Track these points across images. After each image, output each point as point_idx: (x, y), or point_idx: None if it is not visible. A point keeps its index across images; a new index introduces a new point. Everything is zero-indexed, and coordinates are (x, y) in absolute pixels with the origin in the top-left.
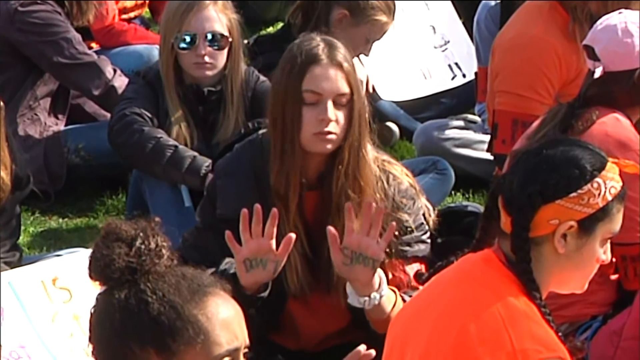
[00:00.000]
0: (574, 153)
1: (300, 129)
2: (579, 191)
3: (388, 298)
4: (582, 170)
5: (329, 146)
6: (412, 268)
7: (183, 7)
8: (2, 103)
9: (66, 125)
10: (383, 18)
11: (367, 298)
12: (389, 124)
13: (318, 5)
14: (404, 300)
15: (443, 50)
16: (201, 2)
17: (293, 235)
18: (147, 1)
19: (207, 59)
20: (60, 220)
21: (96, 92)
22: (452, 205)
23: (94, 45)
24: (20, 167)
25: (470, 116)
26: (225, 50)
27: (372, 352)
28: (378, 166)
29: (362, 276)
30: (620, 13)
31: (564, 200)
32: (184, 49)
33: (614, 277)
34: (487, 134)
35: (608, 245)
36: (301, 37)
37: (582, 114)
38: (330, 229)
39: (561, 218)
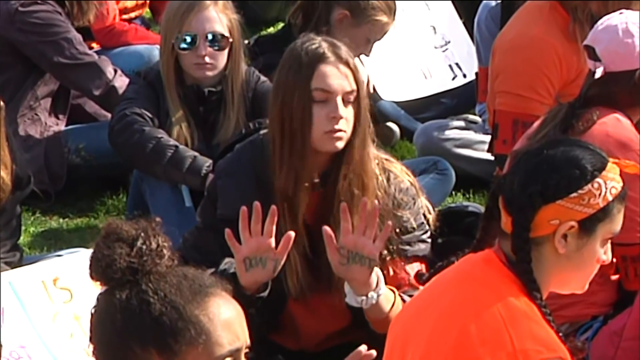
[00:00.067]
0: (574, 153)
1: (311, 128)
2: (580, 191)
3: (386, 297)
4: (582, 170)
5: (339, 144)
6: (413, 267)
7: (183, 7)
8: (2, 103)
9: (67, 125)
10: (384, 18)
11: (364, 297)
12: (390, 124)
13: (319, 5)
14: (403, 300)
15: (444, 51)
16: (202, 2)
17: (292, 234)
18: (148, 1)
19: (207, 59)
20: (61, 220)
21: (97, 92)
22: (453, 205)
23: (94, 45)
24: (20, 167)
25: (470, 116)
26: (226, 51)
27: (373, 352)
28: (378, 165)
29: (359, 275)
30: (621, 13)
31: (564, 201)
32: (184, 49)
33: (614, 277)
34: (487, 134)
35: (609, 245)
36: (300, 37)
37: (583, 114)
38: (327, 229)
39: (562, 218)
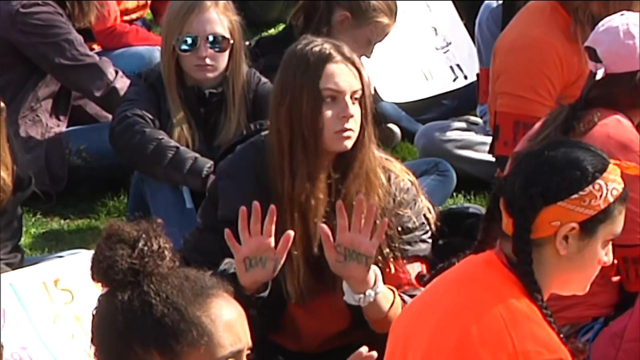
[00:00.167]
0: (575, 155)
1: (323, 128)
2: (581, 193)
3: (384, 296)
4: (583, 172)
5: (348, 143)
6: (413, 267)
7: (184, 9)
8: (3, 104)
9: (68, 126)
10: (385, 20)
11: (362, 295)
12: (391, 125)
13: (320, 6)
14: (403, 300)
15: (445, 52)
16: (202, 4)
17: (292, 233)
18: (149, 2)
19: (208, 61)
20: (62, 221)
21: (98, 94)
22: (454, 206)
23: (95, 46)
24: (21, 168)
25: (471, 118)
26: (227, 52)
27: (374, 353)
28: (379, 164)
29: (356, 273)
30: (622, 15)
31: (565, 202)
32: (185, 51)
33: (615, 279)
34: (488, 135)
35: (610, 247)
36: (300, 39)
37: (584, 115)
38: (323, 226)
39: (563, 220)
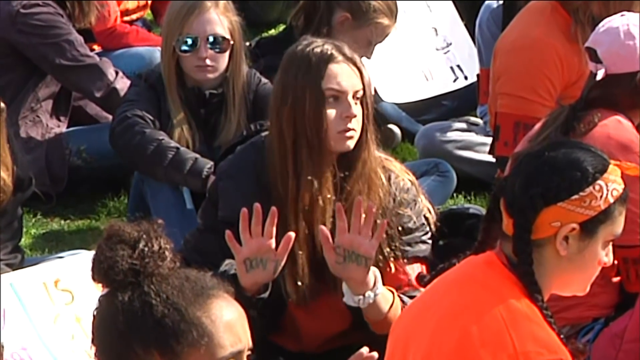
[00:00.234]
0: (575, 155)
1: (326, 128)
2: (581, 193)
3: (384, 297)
4: (584, 172)
5: (350, 143)
6: (413, 268)
7: (184, 9)
8: (3, 105)
9: (68, 127)
10: (385, 21)
11: (361, 297)
12: (391, 126)
13: (320, 7)
14: (402, 301)
15: (445, 52)
16: (202, 4)
17: (292, 234)
18: (149, 3)
19: (208, 61)
20: (62, 222)
21: (98, 94)
22: (454, 207)
23: (95, 47)
24: (22, 169)
25: (472, 118)
26: (227, 53)
27: (375, 354)
28: (379, 164)
29: (355, 274)
30: (622, 15)
31: (565, 203)
32: (185, 51)
33: (615, 279)
34: (489, 136)
35: (610, 247)
36: (301, 40)
37: (584, 116)
38: (323, 228)
39: (563, 220)
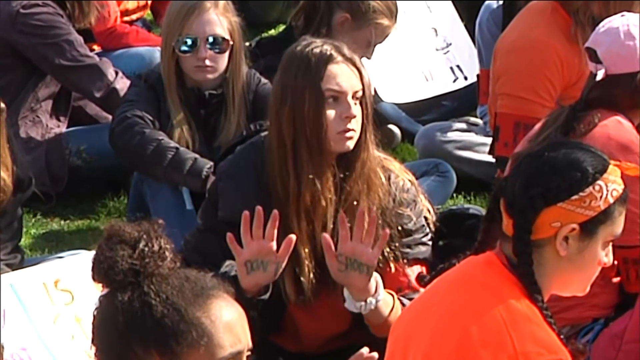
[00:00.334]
0: (575, 156)
1: (326, 128)
2: (581, 194)
3: (385, 302)
4: (584, 173)
5: (350, 144)
6: (413, 270)
7: (184, 10)
8: (3, 105)
9: (68, 127)
10: (385, 21)
11: (363, 303)
12: (391, 126)
13: (320, 8)
14: (402, 304)
15: (445, 53)
16: (202, 5)
17: (294, 237)
18: (149, 3)
19: (208, 62)
20: (62, 222)
21: (98, 95)
22: (454, 207)
23: (95, 47)
24: (21, 169)
25: (472, 119)
26: (227, 54)
27: (375, 355)
28: (378, 164)
29: (357, 282)
30: (622, 16)
31: (565, 203)
32: (185, 52)
33: (615, 280)
34: (489, 136)
35: (610, 247)
36: (300, 41)
37: (584, 116)
38: (325, 236)
39: (563, 221)
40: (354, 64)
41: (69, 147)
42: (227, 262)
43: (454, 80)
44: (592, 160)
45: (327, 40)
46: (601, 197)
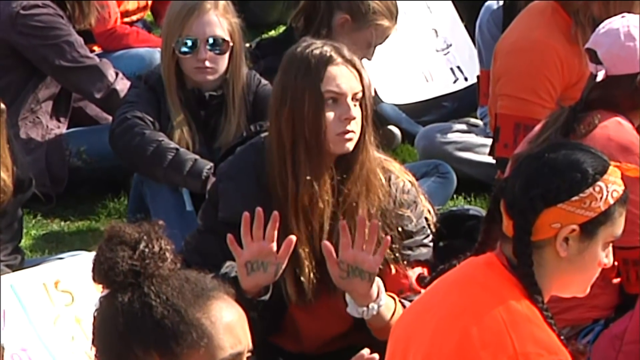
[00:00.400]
0: (576, 157)
1: (325, 130)
2: (581, 195)
3: (387, 306)
4: (584, 174)
5: (349, 145)
6: (415, 272)
7: (184, 11)
8: (3, 106)
9: (68, 128)
10: (385, 22)
11: (365, 308)
12: (391, 127)
13: (320, 8)
14: (403, 306)
15: (445, 54)
16: (202, 6)
17: (294, 238)
18: (149, 4)
19: (208, 63)
20: (62, 223)
21: (98, 95)
22: (454, 208)
23: (96, 48)
24: (22, 170)
25: (472, 120)
26: (227, 55)
27: (376, 356)
28: (378, 165)
29: (359, 288)
30: (622, 17)
31: (565, 204)
32: (185, 53)
33: (615, 280)
34: (489, 137)
35: (610, 248)
36: (300, 42)
37: (584, 117)
38: (326, 243)
39: (563, 222)
40: (354, 66)
41: (69, 148)
42: (228, 263)
43: (454, 81)
44: (592, 161)
45: (327, 41)
46: (601, 198)
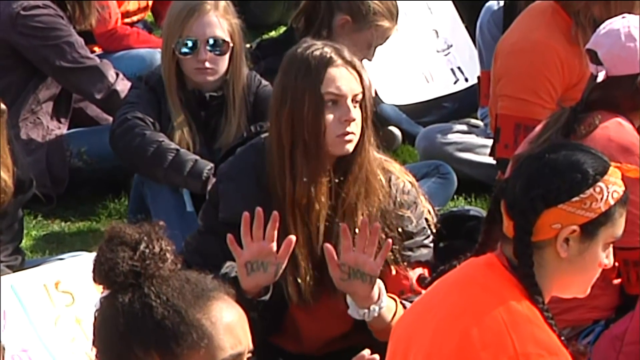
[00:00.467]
0: (576, 157)
1: (325, 132)
2: (582, 195)
3: (388, 308)
4: (584, 174)
5: (349, 147)
6: (415, 273)
7: (184, 12)
8: (4, 106)
9: (68, 129)
10: (385, 23)
11: (366, 310)
12: (392, 128)
13: (321, 9)
14: (404, 308)
15: (446, 54)
16: (202, 7)
17: (293, 238)
18: (150, 4)
19: (208, 64)
20: (63, 223)
21: (98, 96)
22: (455, 209)
23: (96, 49)
24: (22, 171)
25: (472, 120)
26: (227, 56)
27: (376, 356)
28: (378, 166)
29: (360, 290)
30: (623, 17)
31: (566, 205)
32: (185, 54)
33: (616, 281)
34: (489, 138)
35: (610, 249)
36: (300, 43)
37: (585, 118)
38: (328, 245)
39: (563, 222)
40: (354, 67)
41: (70, 149)
42: (228, 264)
43: (455, 82)
44: (592, 162)
45: (327, 42)
46: (602, 198)
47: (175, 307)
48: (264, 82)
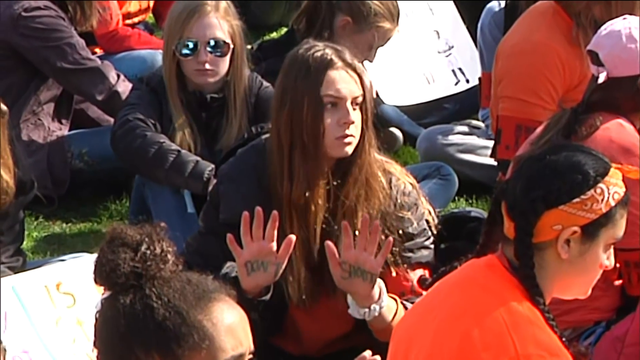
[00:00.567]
0: (577, 159)
1: (323, 134)
2: (582, 197)
3: (388, 308)
4: (585, 175)
5: (349, 149)
6: (416, 274)
7: (185, 13)
8: (5, 107)
9: (70, 130)
10: (386, 25)
11: (367, 309)
12: (393, 129)
13: (322, 10)
14: (405, 308)
15: (447, 56)
16: (203, 8)
17: (293, 237)
18: (151, 6)
19: (208, 65)
20: (64, 225)
21: (100, 98)
22: (456, 210)
23: (97, 50)
24: (23, 172)
25: (473, 122)
26: (227, 57)
27: (377, 357)
28: (379, 167)
29: (361, 289)
30: (624, 19)
31: (567, 206)
32: (185, 55)
33: (617, 282)
34: (490, 139)
35: (611, 250)
36: (302, 44)
37: (586, 119)
38: (329, 243)
39: (564, 224)
40: (354, 70)
41: (71, 150)
42: (228, 264)
43: (456, 83)
44: (593, 163)
45: (329, 44)
46: (602, 200)
47: (176, 308)
48: (265, 83)
